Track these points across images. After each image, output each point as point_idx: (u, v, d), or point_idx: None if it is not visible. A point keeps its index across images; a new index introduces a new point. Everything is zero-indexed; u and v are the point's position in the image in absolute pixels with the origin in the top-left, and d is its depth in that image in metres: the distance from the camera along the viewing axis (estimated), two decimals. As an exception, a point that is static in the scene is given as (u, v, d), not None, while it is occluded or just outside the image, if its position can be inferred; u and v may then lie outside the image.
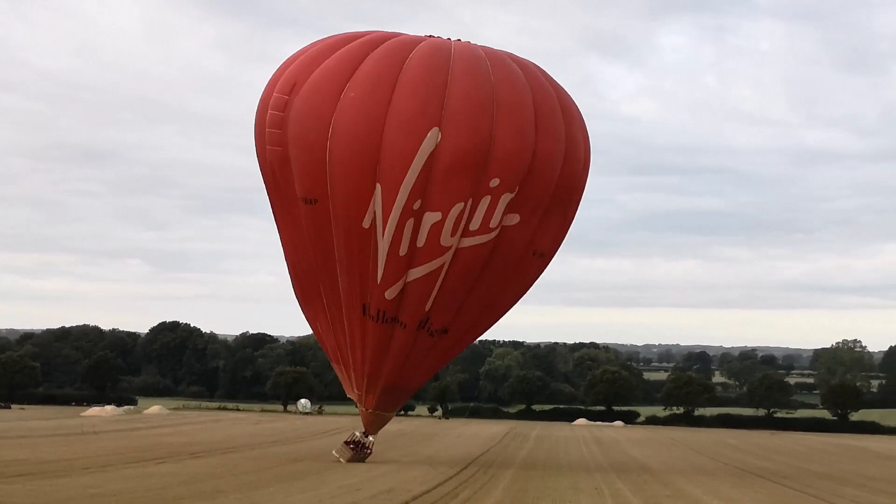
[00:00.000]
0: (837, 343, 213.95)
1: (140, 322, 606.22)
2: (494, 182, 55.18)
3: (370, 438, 61.61)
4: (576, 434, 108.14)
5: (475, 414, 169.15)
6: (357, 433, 61.77)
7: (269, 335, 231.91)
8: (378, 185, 54.49)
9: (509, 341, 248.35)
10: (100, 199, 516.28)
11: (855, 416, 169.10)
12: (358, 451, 60.84)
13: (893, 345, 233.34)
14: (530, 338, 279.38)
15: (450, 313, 57.91)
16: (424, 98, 54.45)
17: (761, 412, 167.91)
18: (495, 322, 62.51)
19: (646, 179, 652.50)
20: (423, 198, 54.63)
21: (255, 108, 59.15)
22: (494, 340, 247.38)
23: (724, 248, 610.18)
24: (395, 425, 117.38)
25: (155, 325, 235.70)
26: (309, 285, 59.83)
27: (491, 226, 55.95)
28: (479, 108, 54.84)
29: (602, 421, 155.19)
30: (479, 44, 58.94)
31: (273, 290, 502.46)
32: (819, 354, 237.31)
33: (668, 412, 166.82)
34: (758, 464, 73.39)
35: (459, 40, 58.55)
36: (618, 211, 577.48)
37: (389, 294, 56.62)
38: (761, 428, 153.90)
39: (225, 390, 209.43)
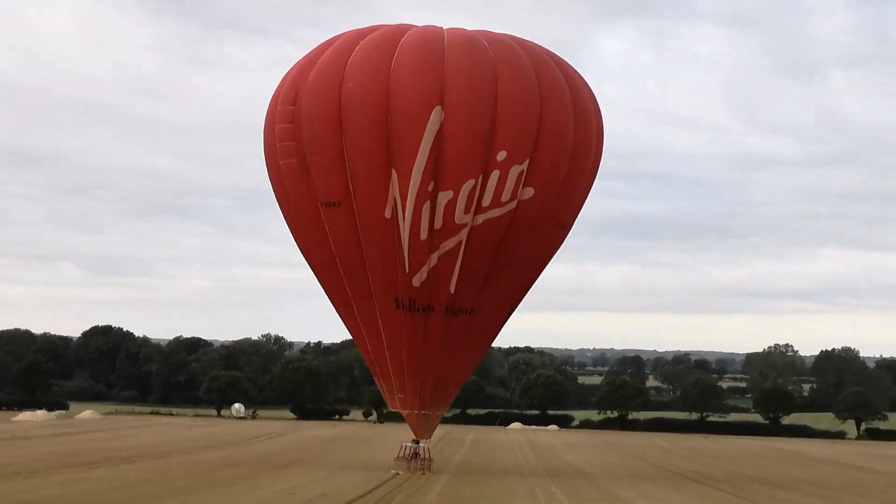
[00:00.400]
0: (769, 347, 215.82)
1: (72, 326, 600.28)
2: (502, 155, 54.94)
3: (422, 444, 60.91)
4: (510, 438, 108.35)
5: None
6: (407, 444, 61.25)
7: (203, 339, 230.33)
8: (393, 172, 54.45)
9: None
10: (34, 202, 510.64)
11: (786, 420, 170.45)
12: (415, 461, 60.04)
13: (825, 349, 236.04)
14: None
15: (473, 291, 57.63)
16: (422, 79, 54.29)
17: (694, 416, 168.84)
18: (521, 298, 61.94)
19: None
20: (436, 178, 54.56)
21: (263, 130, 59.29)
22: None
23: (661, 254, 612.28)
24: (331, 430, 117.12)
25: (87, 329, 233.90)
26: (340, 289, 59.32)
27: (503, 199, 55.68)
28: (478, 82, 54.67)
29: (537, 425, 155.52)
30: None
31: (207, 294, 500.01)
32: (751, 359, 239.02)
33: (602, 416, 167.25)
34: (690, 467, 73.87)
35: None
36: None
37: (417, 281, 56.50)
38: (694, 432, 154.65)
39: (158, 395, 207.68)
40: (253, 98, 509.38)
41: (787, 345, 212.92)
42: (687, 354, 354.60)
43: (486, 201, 55.55)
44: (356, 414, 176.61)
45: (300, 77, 56.65)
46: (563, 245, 61.71)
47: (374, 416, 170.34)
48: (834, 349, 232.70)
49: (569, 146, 56.69)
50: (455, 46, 55.54)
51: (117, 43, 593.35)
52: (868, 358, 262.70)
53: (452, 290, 56.93)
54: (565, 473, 63.32)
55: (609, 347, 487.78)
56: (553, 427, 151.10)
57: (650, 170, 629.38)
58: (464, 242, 56.12)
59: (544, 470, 66.75)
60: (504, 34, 58.37)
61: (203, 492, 44.07)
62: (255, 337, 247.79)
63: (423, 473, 58.26)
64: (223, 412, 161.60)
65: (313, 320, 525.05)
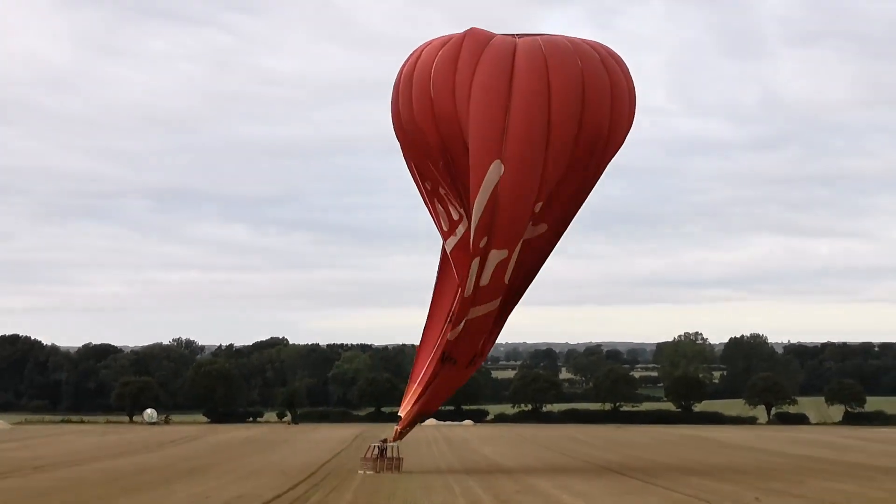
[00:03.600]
0: (679, 336, 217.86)
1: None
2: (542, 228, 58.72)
3: (390, 444, 61.44)
4: (426, 434, 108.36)
5: (325, 418, 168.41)
6: (374, 444, 61.67)
7: (113, 346, 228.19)
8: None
9: (357, 344, 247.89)
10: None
11: (698, 407, 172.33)
12: (382, 460, 60.05)
13: (733, 336, 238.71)
14: (378, 340, 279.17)
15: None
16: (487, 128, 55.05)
17: (607, 406, 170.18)
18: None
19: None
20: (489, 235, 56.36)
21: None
22: (342, 344, 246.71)
23: (586, 246, 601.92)
24: (245, 432, 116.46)
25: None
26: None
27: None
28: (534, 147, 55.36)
29: (451, 420, 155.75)
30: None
31: (118, 298, 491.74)
32: (662, 348, 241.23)
33: (516, 409, 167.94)
34: (605, 457, 74.37)
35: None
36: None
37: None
38: (608, 422, 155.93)
39: (69, 403, 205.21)
40: (173, 90, 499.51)
41: (696, 333, 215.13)
42: (599, 346, 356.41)
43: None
44: (270, 416, 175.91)
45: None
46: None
47: (289, 417, 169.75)
48: (743, 336, 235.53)
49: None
50: (521, 93, 55.35)
51: (23, 34, 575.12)
52: (777, 343, 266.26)
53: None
54: (481, 467, 63.50)
55: (521, 341, 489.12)
56: (468, 422, 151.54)
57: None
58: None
59: (460, 464, 66.88)
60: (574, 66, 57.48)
61: (118, 498, 43.61)
62: (165, 341, 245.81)
63: (392, 473, 58.17)
64: (135, 418, 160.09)
65: (224, 323, 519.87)
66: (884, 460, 70.08)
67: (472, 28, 57.22)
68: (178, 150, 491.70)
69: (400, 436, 62.19)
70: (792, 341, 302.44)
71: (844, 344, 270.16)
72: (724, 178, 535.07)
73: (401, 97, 57.98)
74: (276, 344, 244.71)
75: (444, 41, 57.08)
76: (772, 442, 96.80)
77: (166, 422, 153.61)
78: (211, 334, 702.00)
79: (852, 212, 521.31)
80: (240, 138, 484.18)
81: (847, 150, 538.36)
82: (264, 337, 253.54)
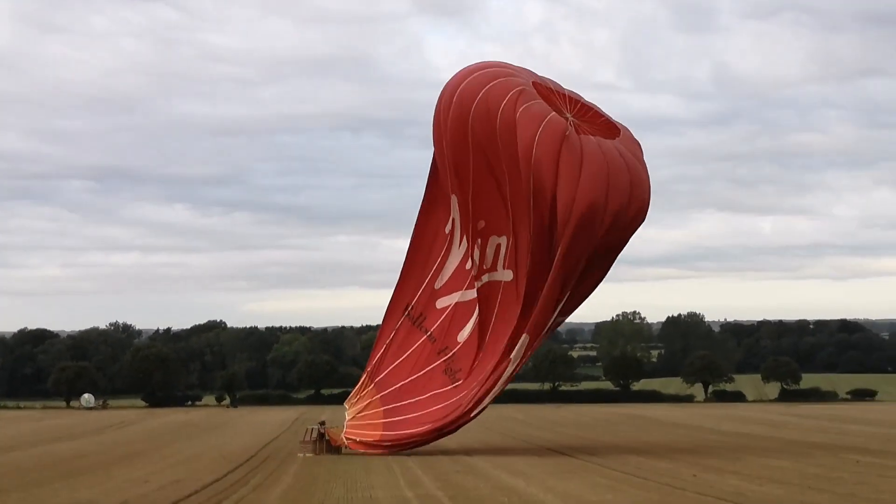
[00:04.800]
0: (618, 316, 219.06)
1: None
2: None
3: (328, 426, 60.72)
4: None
5: (264, 401, 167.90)
6: (312, 426, 61.08)
7: (49, 330, 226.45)
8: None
9: (296, 327, 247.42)
10: None
11: (636, 386, 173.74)
12: (321, 443, 59.31)
13: (671, 315, 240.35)
14: (313, 322, 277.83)
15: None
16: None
17: (546, 386, 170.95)
18: None
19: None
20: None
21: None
22: (281, 327, 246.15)
23: None
24: (183, 416, 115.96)
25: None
26: None
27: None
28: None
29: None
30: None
31: (55, 282, 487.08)
32: (601, 328, 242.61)
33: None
34: (544, 436, 74.69)
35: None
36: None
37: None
38: (547, 402, 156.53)
39: (4, 389, 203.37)
40: (116, 68, 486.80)
41: (634, 312, 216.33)
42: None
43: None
44: (209, 399, 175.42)
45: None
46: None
47: (227, 400, 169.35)
48: (680, 314, 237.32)
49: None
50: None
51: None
52: (714, 322, 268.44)
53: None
54: (421, 448, 63.46)
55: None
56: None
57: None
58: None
59: (400, 446, 66.85)
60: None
61: (54, 483, 43.30)
62: (102, 326, 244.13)
63: (333, 454, 58.08)
64: (72, 403, 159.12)
65: (163, 306, 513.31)
66: (818, 436, 70.89)
67: (521, 92, 56.34)
68: (120, 129, 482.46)
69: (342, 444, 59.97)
70: (729, 319, 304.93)
71: (780, 322, 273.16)
72: (673, 156, 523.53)
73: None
74: (215, 327, 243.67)
75: (499, 92, 56.22)
76: (709, 419, 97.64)
77: (104, 406, 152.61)
78: (149, 318, 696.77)
79: (798, 189, 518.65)
80: (184, 117, 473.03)
81: (798, 126, 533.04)
82: (203, 320, 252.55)
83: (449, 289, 60.33)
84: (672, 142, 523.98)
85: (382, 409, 59.48)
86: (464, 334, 59.22)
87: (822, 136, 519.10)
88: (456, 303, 59.99)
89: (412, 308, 60.69)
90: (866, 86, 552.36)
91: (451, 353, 59.19)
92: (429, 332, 60.05)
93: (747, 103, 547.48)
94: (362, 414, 60.08)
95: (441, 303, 60.37)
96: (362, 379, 61.74)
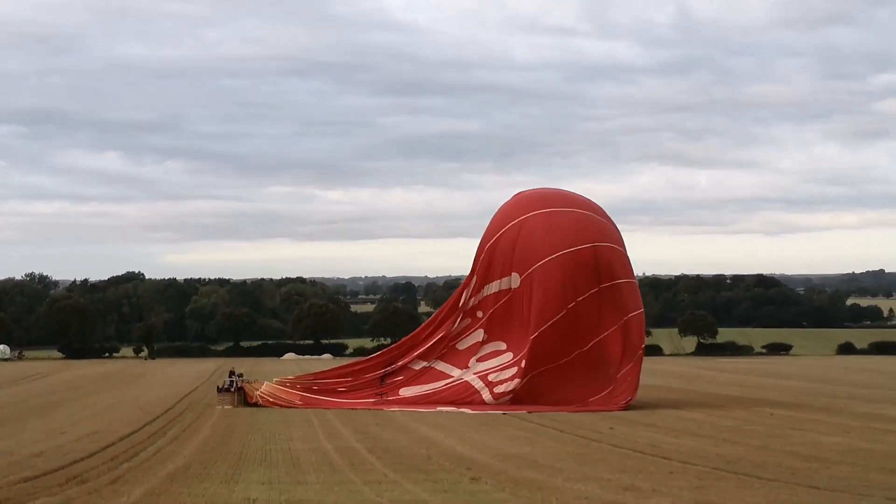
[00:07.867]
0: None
1: None
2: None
3: (240, 376, 61.20)
4: (285, 368, 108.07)
5: (183, 353, 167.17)
6: (225, 379, 61.22)
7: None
8: None
9: (215, 279, 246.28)
10: None
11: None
12: (239, 394, 59.25)
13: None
14: (236, 275, 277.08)
15: None
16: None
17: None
18: None
19: (410, 101, 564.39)
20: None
21: None
22: (200, 279, 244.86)
23: (472, 175, 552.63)
24: (100, 368, 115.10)
25: None
26: None
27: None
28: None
29: (311, 354, 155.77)
30: None
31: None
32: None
33: (375, 343, 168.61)
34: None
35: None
36: (375, 136, 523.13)
37: None
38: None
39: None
40: (53, 5, 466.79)
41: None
42: (458, 279, 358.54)
43: None
44: (126, 351, 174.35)
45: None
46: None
47: (145, 352, 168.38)
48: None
49: None
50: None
51: None
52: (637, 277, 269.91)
53: None
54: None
55: (381, 275, 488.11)
56: (327, 356, 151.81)
57: (482, 82, 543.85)
58: None
59: (319, 398, 66.87)
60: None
61: (-32, 435, 42.84)
62: (18, 276, 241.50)
63: (250, 407, 57.84)
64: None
65: (81, 258, 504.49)
66: (733, 389, 71.81)
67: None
68: (54, 71, 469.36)
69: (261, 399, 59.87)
70: (647, 274, 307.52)
71: (698, 276, 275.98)
72: (625, 105, 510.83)
73: None
74: (133, 279, 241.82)
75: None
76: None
77: (19, 358, 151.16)
78: (68, 269, 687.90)
79: (744, 141, 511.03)
80: (123, 58, 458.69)
81: (757, 76, 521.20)
82: (122, 271, 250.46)
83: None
84: (626, 91, 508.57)
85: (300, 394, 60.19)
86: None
87: (781, 87, 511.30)
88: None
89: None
90: (833, 34, 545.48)
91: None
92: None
93: (707, 51, 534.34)
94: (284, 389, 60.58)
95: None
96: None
